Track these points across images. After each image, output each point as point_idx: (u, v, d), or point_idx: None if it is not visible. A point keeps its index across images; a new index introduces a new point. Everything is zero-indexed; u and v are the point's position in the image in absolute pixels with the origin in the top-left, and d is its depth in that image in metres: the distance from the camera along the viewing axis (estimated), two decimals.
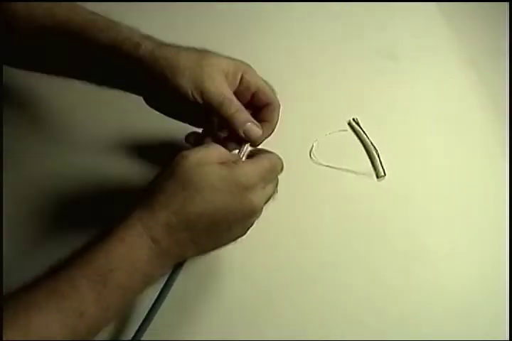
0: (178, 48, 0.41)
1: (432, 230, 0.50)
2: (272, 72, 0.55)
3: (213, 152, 0.37)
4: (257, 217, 0.38)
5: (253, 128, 0.40)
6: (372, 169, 0.53)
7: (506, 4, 0.63)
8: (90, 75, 0.44)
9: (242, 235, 0.39)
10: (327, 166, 0.53)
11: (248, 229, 0.39)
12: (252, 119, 0.40)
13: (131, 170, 0.51)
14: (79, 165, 0.50)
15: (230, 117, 0.39)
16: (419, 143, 0.56)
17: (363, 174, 0.53)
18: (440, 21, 0.65)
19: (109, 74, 0.42)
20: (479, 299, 0.46)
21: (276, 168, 0.39)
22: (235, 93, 0.41)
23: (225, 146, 0.39)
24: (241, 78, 0.41)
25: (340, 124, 0.56)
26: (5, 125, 0.50)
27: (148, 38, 0.41)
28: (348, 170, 0.52)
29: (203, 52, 0.41)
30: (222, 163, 0.36)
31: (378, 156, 0.54)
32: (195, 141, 0.44)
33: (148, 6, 0.62)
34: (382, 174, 0.53)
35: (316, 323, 0.44)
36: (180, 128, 0.45)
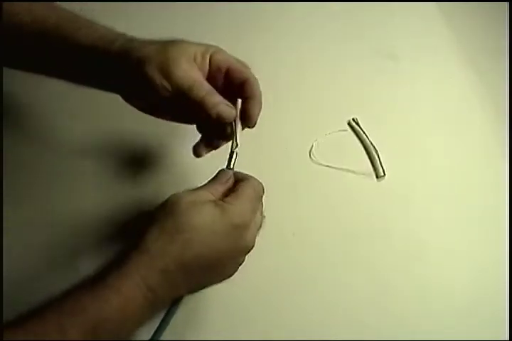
0: (149, 40, 0.40)
1: (431, 230, 0.50)
2: (271, 71, 0.57)
3: (205, 192, 0.37)
4: (250, 251, 0.38)
5: (225, 108, 0.38)
6: (372, 169, 0.53)
7: (506, 4, 0.63)
8: (69, 74, 0.43)
9: (234, 272, 0.39)
10: (327, 166, 0.53)
11: (240, 265, 0.39)
12: (224, 101, 0.39)
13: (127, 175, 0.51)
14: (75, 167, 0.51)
15: (201, 100, 0.38)
16: (419, 143, 0.56)
17: (363, 174, 0.53)
18: (440, 21, 0.64)
19: (87, 72, 0.41)
20: (479, 299, 0.46)
21: (260, 195, 0.39)
22: (208, 76, 0.40)
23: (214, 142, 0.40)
24: (210, 59, 0.39)
25: (340, 124, 0.56)
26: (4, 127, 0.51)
27: (123, 35, 0.40)
28: (347, 170, 0.52)
29: (170, 41, 0.40)
30: (216, 204, 0.36)
31: (378, 156, 0.53)
32: (198, 151, 0.43)
33: (148, 6, 0.62)
34: (382, 174, 0.53)
35: (317, 323, 0.44)
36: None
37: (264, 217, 0.41)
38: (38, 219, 0.47)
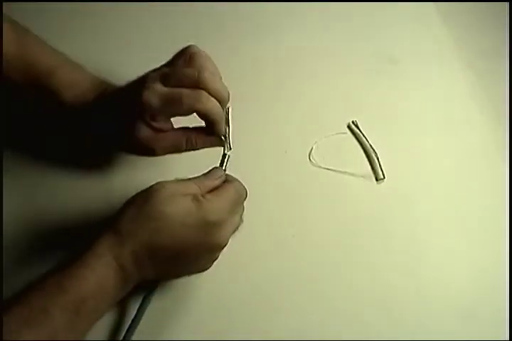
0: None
1: (431, 232, 0.50)
2: (271, 73, 0.57)
3: (190, 184, 0.38)
4: (223, 249, 0.39)
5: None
6: (371, 172, 0.53)
7: (506, 4, 0.62)
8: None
9: (208, 267, 0.40)
10: (326, 169, 0.52)
11: (214, 261, 0.40)
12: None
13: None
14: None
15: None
16: (418, 146, 0.55)
17: (362, 177, 0.52)
18: (439, 23, 0.64)
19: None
20: (479, 299, 0.46)
21: (242, 199, 0.40)
22: None
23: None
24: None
25: (339, 127, 0.56)
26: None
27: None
28: (347, 173, 0.52)
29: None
30: (194, 198, 0.37)
31: (377, 159, 0.53)
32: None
33: (149, 7, 0.62)
34: (382, 177, 0.53)
35: (317, 324, 0.44)
36: None
37: (243, 221, 0.42)
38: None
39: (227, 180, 0.40)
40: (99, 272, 0.34)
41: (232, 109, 0.43)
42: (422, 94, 0.59)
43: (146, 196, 0.36)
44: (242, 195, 0.40)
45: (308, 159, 0.53)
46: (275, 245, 0.47)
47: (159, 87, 0.38)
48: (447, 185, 0.53)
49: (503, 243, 0.49)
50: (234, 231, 0.40)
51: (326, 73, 0.59)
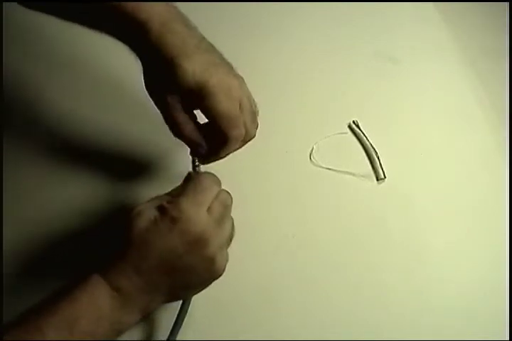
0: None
1: (432, 231, 0.50)
2: (272, 74, 0.57)
3: (160, 197, 0.38)
4: (220, 265, 0.38)
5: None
6: (372, 171, 0.53)
7: (506, 4, 0.63)
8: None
9: (215, 273, 0.38)
10: (327, 169, 0.52)
11: (216, 264, 0.38)
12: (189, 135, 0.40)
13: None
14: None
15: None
16: (419, 146, 0.55)
17: (363, 176, 0.53)
18: (440, 23, 0.64)
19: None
20: (479, 299, 0.46)
21: (206, 185, 0.38)
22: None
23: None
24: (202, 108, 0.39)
25: (340, 127, 0.56)
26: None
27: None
28: (348, 173, 0.52)
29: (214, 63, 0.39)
30: (160, 206, 0.36)
31: (378, 159, 0.53)
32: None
33: None
34: (382, 176, 0.53)
35: (317, 324, 0.44)
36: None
37: (225, 206, 0.39)
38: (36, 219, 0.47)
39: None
40: (91, 291, 0.35)
41: None
42: (422, 94, 0.59)
43: (123, 223, 0.37)
44: (227, 204, 0.39)
45: (309, 159, 0.53)
46: (275, 245, 0.47)
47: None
48: (448, 184, 0.53)
49: (503, 243, 0.49)
50: (228, 245, 0.39)
51: (326, 73, 0.59)
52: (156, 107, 0.40)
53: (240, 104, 0.39)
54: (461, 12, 0.65)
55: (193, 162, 0.42)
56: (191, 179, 0.39)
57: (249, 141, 0.41)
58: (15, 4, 0.44)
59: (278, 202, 0.49)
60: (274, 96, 0.56)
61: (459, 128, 0.57)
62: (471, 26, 0.64)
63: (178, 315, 0.41)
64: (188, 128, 0.40)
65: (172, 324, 0.41)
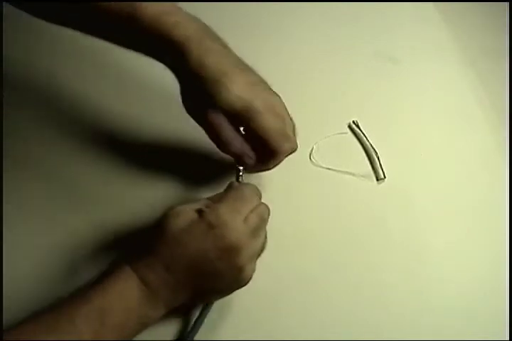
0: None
1: (432, 231, 0.50)
2: (271, 74, 0.54)
3: (199, 201, 0.39)
4: (247, 275, 0.39)
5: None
6: (372, 172, 0.53)
7: (506, 4, 0.62)
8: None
9: (233, 289, 0.40)
10: (327, 169, 0.52)
11: (243, 272, 0.38)
12: (236, 150, 0.41)
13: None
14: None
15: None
16: (419, 146, 0.55)
17: (363, 176, 0.52)
18: (440, 23, 0.64)
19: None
20: (479, 299, 0.46)
21: (248, 198, 0.40)
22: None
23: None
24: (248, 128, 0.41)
25: (340, 127, 0.55)
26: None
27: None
28: (347, 173, 0.52)
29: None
30: (199, 209, 0.38)
31: (378, 159, 0.53)
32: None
33: None
34: (382, 177, 0.52)
35: (317, 324, 0.44)
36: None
37: (265, 246, 0.41)
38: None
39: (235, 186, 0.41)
40: (121, 284, 0.36)
41: None
42: (422, 94, 0.59)
43: (159, 221, 0.38)
44: (246, 194, 0.40)
45: (308, 159, 0.53)
46: (274, 245, 0.45)
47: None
48: (448, 184, 0.53)
49: (503, 243, 0.49)
50: (257, 257, 0.40)
51: (326, 73, 0.59)
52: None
53: (284, 119, 0.41)
54: (461, 12, 0.65)
55: (238, 171, 0.43)
56: (233, 188, 0.41)
57: (293, 152, 0.43)
58: None
59: (277, 201, 0.47)
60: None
61: (459, 128, 0.57)
62: (471, 26, 0.64)
63: (198, 318, 0.42)
64: (237, 143, 0.40)
65: (189, 326, 0.42)
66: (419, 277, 0.47)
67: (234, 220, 0.37)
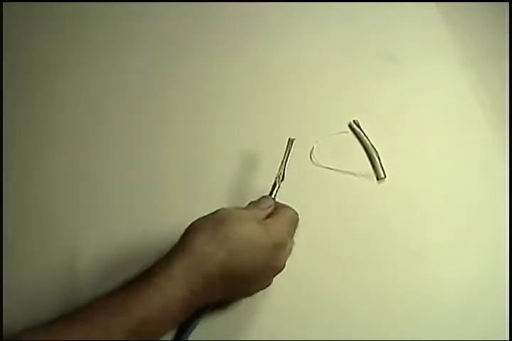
0: None
1: (432, 231, 0.50)
2: (272, 73, 0.57)
3: (249, 212, 0.40)
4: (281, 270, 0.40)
5: None
6: (372, 171, 0.53)
7: (506, 4, 0.63)
8: None
9: (263, 288, 0.41)
10: (327, 168, 0.52)
11: (268, 285, 0.41)
12: None
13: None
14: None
15: None
16: (419, 145, 0.55)
17: (363, 176, 0.52)
18: (441, 23, 0.64)
19: None
20: (479, 299, 0.46)
21: (296, 221, 0.42)
22: None
23: None
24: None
25: (340, 126, 0.55)
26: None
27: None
28: (348, 172, 0.52)
29: None
30: (259, 222, 0.38)
31: (378, 158, 0.53)
32: None
33: (150, 7, 0.62)
34: (383, 176, 0.52)
35: (320, 326, 0.44)
36: None
37: (294, 243, 0.42)
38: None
39: (280, 205, 0.42)
40: (169, 295, 0.34)
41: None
42: (423, 93, 0.59)
43: (218, 220, 0.37)
44: (296, 218, 0.42)
45: (309, 158, 0.53)
46: None
47: None
48: (448, 184, 0.53)
49: (503, 242, 0.49)
50: (289, 254, 0.42)
51: (327, 73, 0.59)
52: None
53: None
54: (462, 12, 0.65)
55: (274, 186, 0.44)
56: (286, 208, 0.42)
57: None
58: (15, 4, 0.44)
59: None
60: (275, 95, 0.56)
61: (459, 128, 0.57)
62: (472, 26, 0.64)
63: (192, 319, 0.41)
64: None
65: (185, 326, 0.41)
66: (419, 277, 0.46)
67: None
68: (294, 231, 0.42)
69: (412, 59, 0.61)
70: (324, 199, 0.51)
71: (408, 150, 0.54)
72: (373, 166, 0.53)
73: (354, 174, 0.52)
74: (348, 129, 0.55)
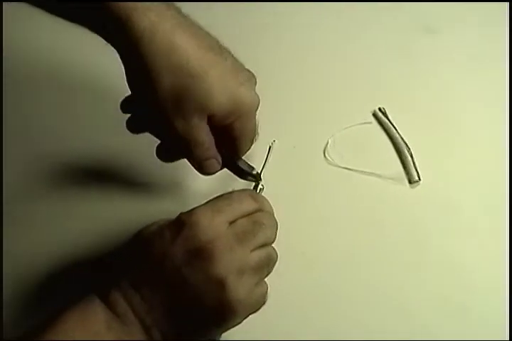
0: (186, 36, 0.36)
1: (477, 247, 0.46)
2: (284, 49, 0.55)
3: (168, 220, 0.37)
4: (236, 297, 0.34)
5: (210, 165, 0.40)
6: (403, 172, 0.49)
7: (506, 4, 0.57)
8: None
9: (221, 318, 0.35)
10: (345, 169, 0.49)
11: (230, 308, 0.34)
12: (212, 155, 0.40)
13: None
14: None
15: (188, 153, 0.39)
16: (463, 139, 0.51)
17: (392, 179, 0.49)
18: None
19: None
20: (479, 299, 0.45)
21: (263, 230, 0.36)
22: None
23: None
24: (227, 125, 0.39)
25: (362, 115, 0.52)
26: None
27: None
28: (372, 174, 0.49)
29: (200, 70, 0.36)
30: (180, 224, 0.35)
31: (411, 156, 0.49)
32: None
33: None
34: (416, 179, 0.48)
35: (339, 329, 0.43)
36: None
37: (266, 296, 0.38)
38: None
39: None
40: (89, 319, 0.34)
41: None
42: (466, 73, 0.54)
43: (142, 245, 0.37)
44: (234, 195, 0.38)
45: (323, 156, 0.50)
46: (285, 262, 0.41)
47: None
48: (497, 188, 0.48)
49: (503, 243, 0.46)
50: (242, 240, 0.36)
51: (347, 49, 0.55)
52: None
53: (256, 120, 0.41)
54: None
55: (257, 187, 0.44)
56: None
57: None
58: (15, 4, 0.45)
59: (284, 210, 0.43)
60: (282, 77, 0.53)
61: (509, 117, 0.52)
62: None
63: None
64: (212, 145, 0.39)
65: None
66: (420, 276, 0.45)
67: (211, 219, 0.34)
68: (225, 205, 0.37)
69: (451, 30, 0.56)
70: (342, 207, 0.48)
71: (448, 145, 0.51)
72: (404, 166, 0.49)
73: (380, 176, 0.49)
74: (373, 119, 0.52)
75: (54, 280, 0.45)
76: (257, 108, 0.39)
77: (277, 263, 0.41)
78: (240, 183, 0.45)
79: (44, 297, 0.45)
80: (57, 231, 0.47)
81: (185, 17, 0.36)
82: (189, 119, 0.36)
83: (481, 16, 0.58)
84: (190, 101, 0.35)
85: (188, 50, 0.34)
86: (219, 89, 0.35)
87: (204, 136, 0.38)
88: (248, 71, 0.39)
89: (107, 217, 0.47)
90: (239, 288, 0.34)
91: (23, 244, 0.46)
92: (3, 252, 0.45)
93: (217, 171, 0.41)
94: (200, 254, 0.33)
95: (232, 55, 0.38)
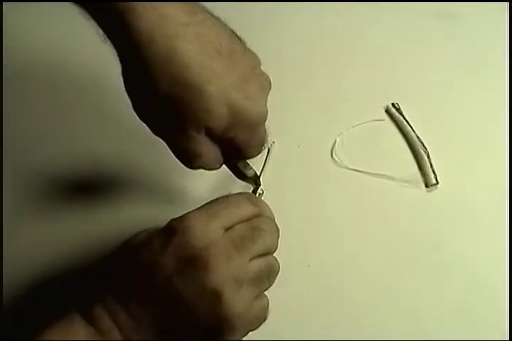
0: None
1: (495, 255, 0.44)
2: (288, 36, 0.53)
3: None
4: (233, 310, 0.32)
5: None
6: (419, 174, 0.47)
7: (506, 4, 0.56)
8: None
9: (216, 333, 0.33)
10: (355, 170, 0.47)
11: (226, 323, 0.32)
12: (213, 165, 0.39)
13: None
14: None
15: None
16: (485, 139, 0.49)
17: (406, 182, 0.47)
18: None
19: None
20: (479, 299, 0.44)
21: (262, 236, 0.35)
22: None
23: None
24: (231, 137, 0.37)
25: (374, 111, 0.50)
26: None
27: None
28: (384, 177, 0.47)
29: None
30: (170, 231, 0.34)
31: (428, 157, 0.47)
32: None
33: None
34: (434, 182, 0.47)
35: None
36: None
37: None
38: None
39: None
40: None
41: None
42: (489, 64, 0.51)
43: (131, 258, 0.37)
44: (231, 199, 0.37)
45: (330, 157, 0.48)
46: (286, 276, 0.39)
47: None
48: None
49: (503, 242, 0.45)
50: (240, 248, 0.34)
51: (357, 36, 0.53)
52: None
53: (264, 128, 0.40)
54: None
55: (256, 191, 0.43)
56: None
57: None
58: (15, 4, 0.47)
59: (288, 216, 0.42)
60: (284, 70, 0.50)
61: None
62: None
63: None
64: (215, 154, 0.38)
65: None
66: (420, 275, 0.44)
67: (205, 224, 0.33)
68: (221, 210, 0.36)
69: (473, 16, 0.53)
70: (350, 213, 0.46)
71: (469, 145, 0.49)
72: (420, 168, 0.48)
73: (393, 179, 0.47)
74: (385, 116, 0.50)
75: (52, 281, 0.45)
76: (265, 120, 0.38)
77: (279, 274, 0.39)
78: (238, 187, 0.45)
79: (42, 298, 0.44)
80: (57, 231, 0.46)
81: (198, 15, 0.34)
82: (186, 131, 0.35)
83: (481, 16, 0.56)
84: (186, 113, 0.34)
85: (189, 56, 0.32)
86: (219, 102, 0.34)
87: (203, 148, 0.36)
88: (263, 78, 0.38)
89: (106, 220, 0.47)
90: (236, 301, 0.32)
91: (24, 245, 0.46)
92: (3, 252, 0.45)
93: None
94: (194, 263, 0.32)
95: (248, 60, 0.37)
